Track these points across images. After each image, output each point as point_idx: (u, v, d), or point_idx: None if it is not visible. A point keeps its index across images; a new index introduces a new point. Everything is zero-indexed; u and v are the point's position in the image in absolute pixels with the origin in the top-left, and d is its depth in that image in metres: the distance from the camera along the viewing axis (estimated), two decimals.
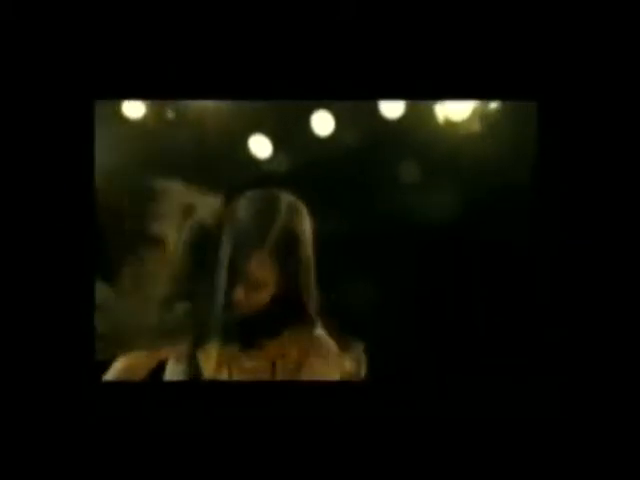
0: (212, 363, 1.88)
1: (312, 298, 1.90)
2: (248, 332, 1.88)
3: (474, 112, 3.05)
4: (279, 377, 1.86)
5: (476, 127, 3.06)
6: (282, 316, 1.89)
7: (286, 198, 1.89)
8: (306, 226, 1.89)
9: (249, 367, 1.88)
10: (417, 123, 3.13)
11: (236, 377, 1.88)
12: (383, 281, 2.70)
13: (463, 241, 3.29)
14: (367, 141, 3.23)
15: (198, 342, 1.88)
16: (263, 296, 1.87)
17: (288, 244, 1.86)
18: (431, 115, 3.13)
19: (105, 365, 1.89)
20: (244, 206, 1.88)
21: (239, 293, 1.85)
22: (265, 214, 1.86)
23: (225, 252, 1.84)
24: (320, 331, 1.90)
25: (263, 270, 1.85)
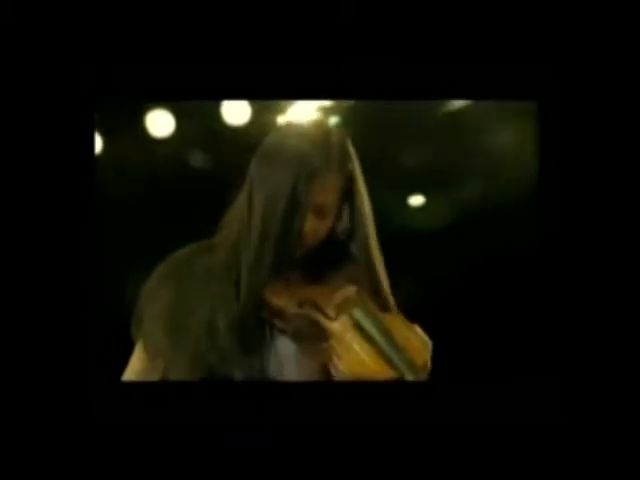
0: (282, 300, 1.82)
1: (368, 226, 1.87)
2: (313, 265, 1.84)
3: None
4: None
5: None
6: (343, 247, 1.86)
7: (330, 125, 1.88)
8: (352, 151, 1.86)
9: (318, 299, 1.83)
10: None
11: (304, 309, 1.83)
12: None
13: (460, 243, 3.29)
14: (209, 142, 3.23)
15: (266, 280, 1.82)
16: (327, 225, 1.83)
17: (345, 169, 1.83)
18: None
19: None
20: (292, 136, 1.84)
21: (306, 224, 1.81)
22: (320, 139, 1.82)
23: (284, 182, 1.80)
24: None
25: (328, 196, 1.81)
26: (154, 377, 1.90)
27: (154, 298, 1.87)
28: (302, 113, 2.98)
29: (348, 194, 1.85)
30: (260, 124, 3.17)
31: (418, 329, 1.86)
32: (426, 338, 1.85)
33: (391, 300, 1.89)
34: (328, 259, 1.87)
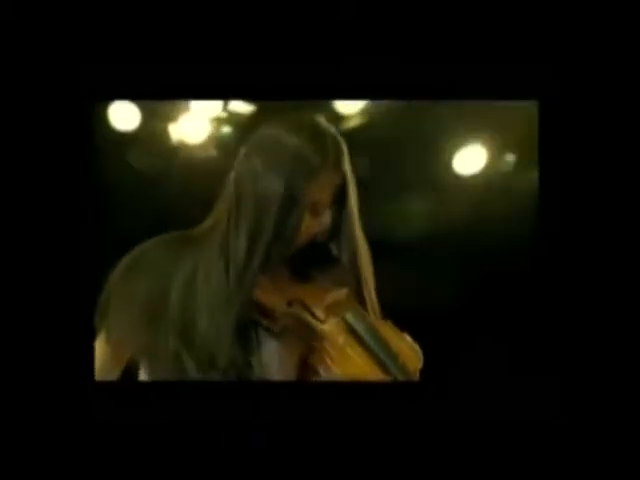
0: (271, 298, 1.78)
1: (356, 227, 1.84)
2: (298, 263, 1.81)
3: None
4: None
5: None
6: (326, 247, 1.83)
7: (322, 121, 1.85)
8: (345, 148, 1.84)
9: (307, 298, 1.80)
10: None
11: (293, 310, 1.79)
12: None
13: (462, 243, 3.29)
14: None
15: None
16: (318, 224, 1.80)
17: (340, 167, 1.81)
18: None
19: None
20: (285, 131, 1.81)
21: (304, 222, 1.78)
22: (316, 136, 1.80)
23: (280, 180, 1.77)
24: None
25: (323, 194, 1.78)
26: (116, 369, 1.89)
27: (122, 289, 1.84)
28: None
29: (339, 193, 1.83)
30: None
31: (408, 337, 1.85)
32: (416, 346, 1.84)
33: (377, 304, 1.88)
34: (312, 258, 1.85)
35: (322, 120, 1.84)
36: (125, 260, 1.88)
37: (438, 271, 3.41)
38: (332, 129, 1.84)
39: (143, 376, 1.87)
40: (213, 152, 3.33)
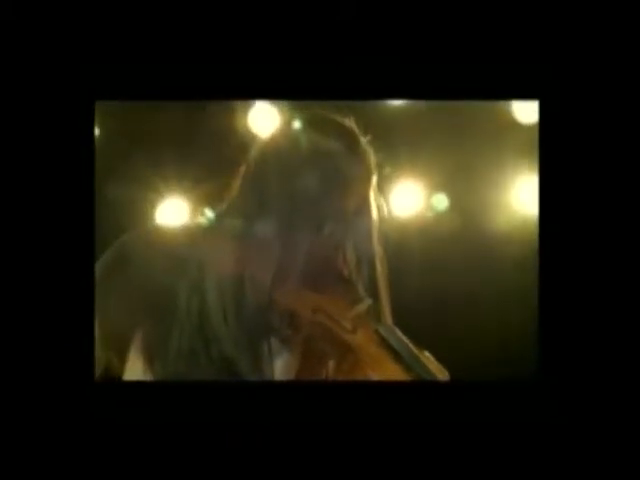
0: (295, 303, 1.69)
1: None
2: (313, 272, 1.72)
3: None
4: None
5: None
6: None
7: (349, 124, 1.81)
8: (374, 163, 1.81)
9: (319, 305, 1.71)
10: None
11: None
12: None
13: (463, 237, 3.29)
14: None
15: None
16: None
17: (370, 179, 1.76)
18: None
19: None
20: (316, 133, 1.77)
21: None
22: (355, 144, 1.76)
23: (320, 183, 1.70)
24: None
25: (350, 203, 1.72)
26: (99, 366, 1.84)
27: (111, 283, 1.79)
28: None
29: (360, 204, 1.79)
30: None
31: (429, 355, 1.78)
32: (439, 365, 1.77)
33: (391, 320, 1.81)
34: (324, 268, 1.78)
35: (354, 127, 1.82)
36: (110, 252, 1.83)
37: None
38: (360, 133, 1.82)
39: (135, 373, 1.82)
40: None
